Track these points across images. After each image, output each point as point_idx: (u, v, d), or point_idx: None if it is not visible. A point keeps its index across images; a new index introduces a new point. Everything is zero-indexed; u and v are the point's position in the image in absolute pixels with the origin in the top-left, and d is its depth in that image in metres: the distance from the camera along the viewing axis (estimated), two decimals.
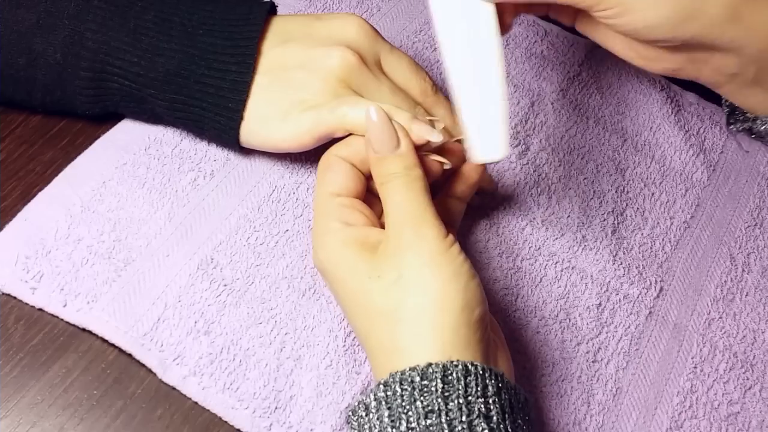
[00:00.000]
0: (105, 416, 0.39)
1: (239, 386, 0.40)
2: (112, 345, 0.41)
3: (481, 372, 0.33)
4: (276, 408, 0.40)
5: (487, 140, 0.41)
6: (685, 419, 0.43)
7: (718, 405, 0.43)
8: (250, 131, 0.44)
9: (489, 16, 0.40)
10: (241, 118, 0.44)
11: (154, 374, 0.40)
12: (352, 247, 0.37)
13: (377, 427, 0.33)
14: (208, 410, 0.40)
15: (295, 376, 0.41)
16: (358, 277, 0.37)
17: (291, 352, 0.41)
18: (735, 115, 0.50)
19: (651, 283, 0.47)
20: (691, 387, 0.44)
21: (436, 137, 0.40)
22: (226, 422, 0.40)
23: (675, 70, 0.43)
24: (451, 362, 0.33)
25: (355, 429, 0.34)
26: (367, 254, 0.37)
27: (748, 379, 0.44)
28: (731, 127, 0.51)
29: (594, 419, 0.42)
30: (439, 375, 0.33)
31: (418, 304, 0.35)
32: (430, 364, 0.33)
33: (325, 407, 0.40)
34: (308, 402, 0.40)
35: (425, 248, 0.36)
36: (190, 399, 0.40)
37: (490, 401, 0.33)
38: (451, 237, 0.37)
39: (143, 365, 0.40)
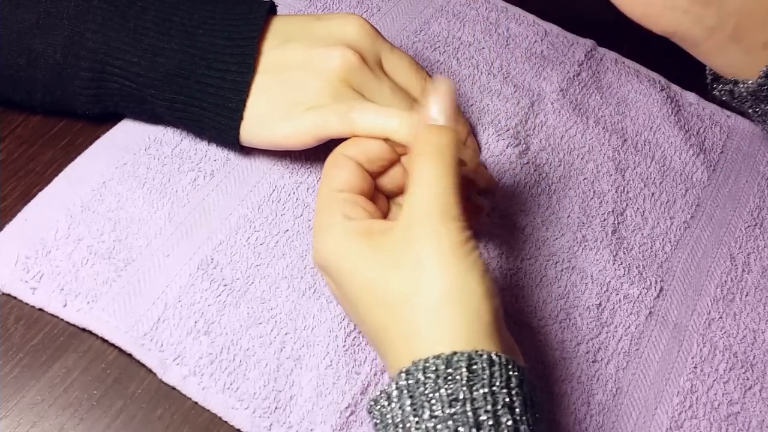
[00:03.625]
0: (105, 416, 0.39)
1: (239, 386, 0.40)
2: (112, 345, 0.41)
3: (505, 363, 0.33)
4: (276, 408, 0.40)
5: None
6: (685, 419, 0.43)
7: (718, 405, 0.43)
8: (251, 131, 0.44)
9: None
10: (242, 117, 0.44)
11: (154, 374, 0.40)
12: (358, 238, 0.37)
13: (399, 416, 0.32)
14: (208, 410, 0.40)
15: (295, 376, 0.41)
16: (371, 266, 0.36)
17: (291, 352, 0.41)
18: (717, 79, 0.49)
19: (651, 283, 0.47)
20: (691, 387, 0.44)
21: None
22: (226, 422, 0.40)
23: (654, 16, 0.43)
24: (476, 352, 0.33)
25: (376, 419, 0.34)
26: (376, 244, 0.36)
27: (748, 379, 0.44)
28: (714, 90, 0.50)
29: (594, 419, 0.42)
30: (464, 364, 0.32)
31: (439, 291, 0.34)
32: (455, 353, 0.33)
33: (325, 407, 0.40)
34: (308, 402, 0.40)
35: (448, 238, 0.35)
36: (190, 399, 0.40)
37: (513, 393, 0.33)
38: (470, 231, 0.36)
39: (143, 365, 0.40)
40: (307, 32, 0.45)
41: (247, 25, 0.44)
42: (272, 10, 0.47)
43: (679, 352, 0.45)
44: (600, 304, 0.46)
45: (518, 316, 0.45)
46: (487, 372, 0.32)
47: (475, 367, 0.32)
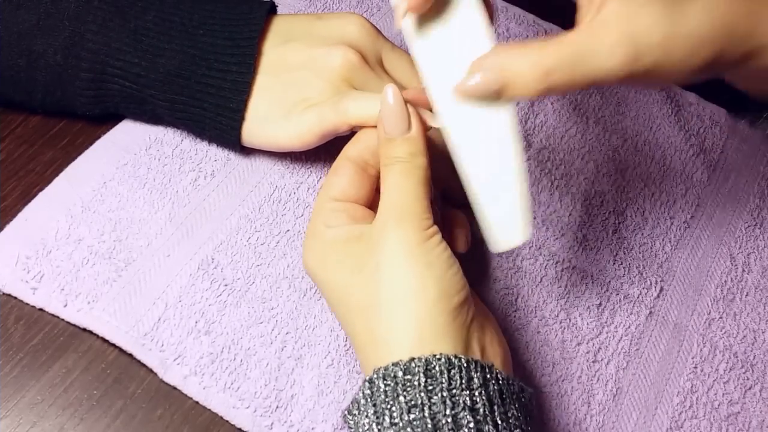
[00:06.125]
0: (105, 416, 0.39)
1: (240, 386, 0.40)
2: (113, 345, 0.41)
3: (465, 364, 0.33)
4: (277, 407, 0.40)
5: (508, 228, 0.38)
6: (685, 419, 0.43)
7: (719, 405, 0.43)
8: (252, 131, 0.44)
9: (509, 121, 0.36)
10: (243, 118, 0.44)
11: (155, 374, 0.40)
12: (333, 245, 0.37)
13: (366, 425, 0.33)
14: (209, 410, 0.40)
15: (296, 376, 0.41)
16: (342, 273, 0.37)
17: (292, 351, 0.41)
18: (742, 103, 0.48)
19: (651, 283, 0.47)
20: (692, 387, 0.44)
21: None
22: (226, 422, 0.40)
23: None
24: (434, 356, 0.33)
25: (352, 428, 0.34)
26: (347, 249, 0.37)
27: (748, 379, 0.44)
28: (736, 117, 0.49)
29: (594, 419, 0.42)
30: (421, 369, 0.33)
31: (393, 296, 0.35)
32: (412, 359, 0.33)
33: (327, 406, 0.40)
34: (309, 401, 0.40)
35: (402, 239, 0.35)
36: (190, 399, 0.40)
37: (476, 393, 0.33)
38: (433, 228, 0.36)
39: (143, 365, 0.40)
40: (307, 32, 0.45)
41: (248, 25, 0.44)
42: (272, 10, 0.47)
43: (679, 352, 0.45)
44: (600, 304, 0.46)
45: (518, 315, 0.45)
46: (446, 375, 0.33)
47: (433, 371, 0.33)
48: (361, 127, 0.41)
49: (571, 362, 0.44)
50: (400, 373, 0.33)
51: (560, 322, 0.45)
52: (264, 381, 0.40)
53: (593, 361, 0.44)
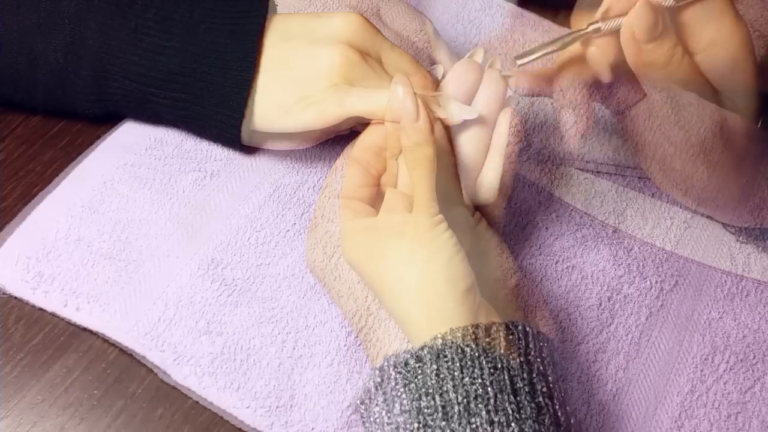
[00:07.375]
0: (106, 416, 0.39)
1: (240, 385, 0.40)
2: (113, 345, 0.41)
3: (476, 354, 0.33)
4: (278, 407, 0.40)
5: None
6: (685, 419, 0.43)
7: (719, 405, 0.43)
8: (252, 129, 0.44)
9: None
10: (243, 116, 0.44)
11: (155, 374, 0.40)
12: (335, 239, 0.38)
13: (376, 413, 0.33)
14: (209, 410, 0.40)
15: (297, 375, 0.41)
16: (346, 263, 0.37)
17: (293, 351, 0.41)
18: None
19: (651, 283, 0.47)
20: (692, 387, 0.44)
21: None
22: (227, 421, 0.40)
23: None
24: (446, 344, 0.33)
25: (364, 418, 0.34)
26: (351, 241, 0.37)
27: (748, 379, 0.44)
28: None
29: (594, 419, 0.42)
30: (433, 357, 0.33)
31: (401, 282, 0.35)
32: (423, 347, 0.33)
33: (327, 406, 0.40)
34: (310, 401, 0.40)
35: (410, 228, 0.36)
36: (190, 398, 0.40)
37: (488, 383, 0.33)
38: (439, 216, 0.37)
39: (144, 365, 0.40)
40: (307, 29, 0.45)
41: (248, 22, 0.44)
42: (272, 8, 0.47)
43: (680, 352, 0.45)
44: (600, 304, 0.46)
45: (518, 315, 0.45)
46: (457, 364, 0.33)
47: (445, 359, 0.33)
48: (363, 125, 0.41)
49: (570, 362, 0.44)
50: (412, 361, 0.33)
51: (560, 323, 0.45)
52: (264, 381, 0.40)
53: (593, 361, 0.44)
